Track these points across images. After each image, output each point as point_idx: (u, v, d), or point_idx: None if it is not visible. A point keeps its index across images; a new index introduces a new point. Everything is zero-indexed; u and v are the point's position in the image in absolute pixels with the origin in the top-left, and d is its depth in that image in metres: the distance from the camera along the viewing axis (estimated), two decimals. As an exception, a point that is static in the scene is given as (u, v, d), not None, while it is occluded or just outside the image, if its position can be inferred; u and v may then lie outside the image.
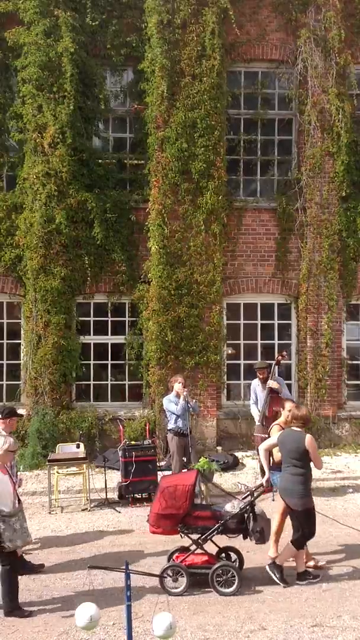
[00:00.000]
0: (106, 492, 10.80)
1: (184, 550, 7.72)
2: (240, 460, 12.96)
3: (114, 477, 11.57)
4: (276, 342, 14.40)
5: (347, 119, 13.89)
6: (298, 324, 14.27)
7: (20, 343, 14.11)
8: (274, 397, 10.91)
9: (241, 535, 7.66)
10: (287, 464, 7.60)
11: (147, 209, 13.67)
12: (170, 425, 11.20)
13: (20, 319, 14.16)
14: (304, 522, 7.50)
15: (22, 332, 14.05)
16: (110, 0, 13.76)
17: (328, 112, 13.94)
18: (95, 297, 14.07)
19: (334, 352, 14.07)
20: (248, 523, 7.53)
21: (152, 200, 13.51)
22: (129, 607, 4.87)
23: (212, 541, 7.64)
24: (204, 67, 13.37)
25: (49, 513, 10.46)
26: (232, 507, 7.62)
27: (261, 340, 14.38)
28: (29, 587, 7.64)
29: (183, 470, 11.03)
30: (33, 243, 13.37)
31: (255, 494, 7.75)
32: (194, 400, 11.56)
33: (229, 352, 14.24)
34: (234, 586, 7.27)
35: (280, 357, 11.55)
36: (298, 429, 7.63)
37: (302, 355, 14.17)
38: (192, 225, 13.46)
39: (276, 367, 11.31)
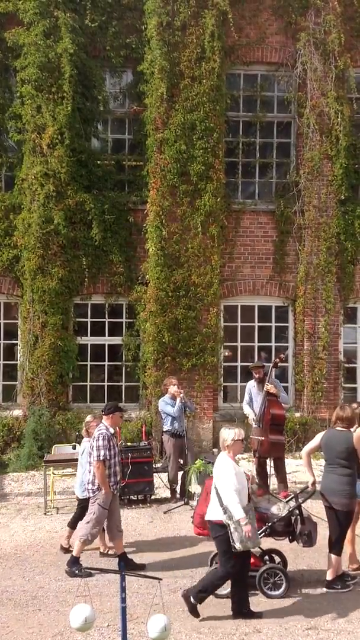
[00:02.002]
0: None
1: None
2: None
3: (110, 479, 11.54)
4: (273, 344, 14.40)
5: (345, 122, 13.91)
6: (295, 327, 14.28)
7: (17, 343, 14.09)
8: (271, 400, 10.87)
9: (288, 538, 7.60)
10: (333, 464, 7.50)
11: (146, 211, 13.67)
12: (166, 427, 11.20)
13: (17, 320, 14.15)
14: (344, 523, 7.38)
15: (19, 332, 14.04)
16: (110, 1, 13.77)
17: (327, 115, 13.96)
18: (93, 298, 14.06)
19: (330, 355, 14.08)
20: (295, 526, 7.48)
21: (150, 202, 13.52)
22: (123, 609, 4.86)
23: None
24: (204, 69, 13.38)
25: (45, 514, 10.45)
26: (278, 509, 7.57)
27: (258, 342, 14.38)
28: (24, 588, 7.62)
29: (179, 472, 11.06)
30: (31, 243, 13.36)
31: (301, 497, 7.68)
32: (190, 400, 11.56)
33: (226, 354, 14.24)
34: (282, 589, 7.22)
35: (277, 360, 11.53)
36: (344, 429, 7.56)
37: (299, 358, 14.17)
38: (190, 227, 13.46)
39: (273, 369, 11.29)
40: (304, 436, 13.73)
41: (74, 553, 8.03)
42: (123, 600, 4.86)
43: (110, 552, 8.63)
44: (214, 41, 13.34)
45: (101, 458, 7.86)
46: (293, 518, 7.52)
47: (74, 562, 7.98)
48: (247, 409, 11.43)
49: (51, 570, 8.15)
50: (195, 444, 12.81)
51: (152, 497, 10.99)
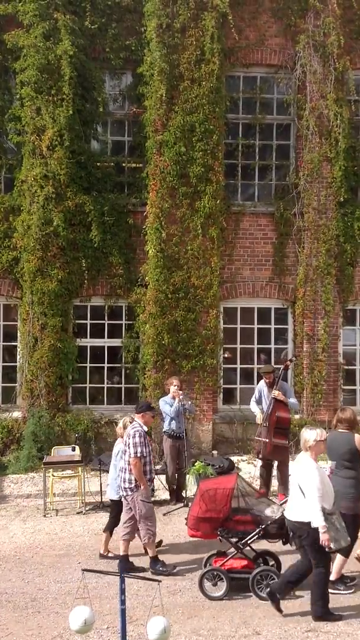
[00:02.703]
0: (101, 495, 10.79)
1: (221, 554, 7.70)
2: (236, 465, 12.94)
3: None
4: (272, 346, 14.40)
5: (345, 125, 13.92)
6: (295, 329, 14.27)
7: (16, 345, 14.09)
8: (278, 403, 10.86)
9: (281, 540, 7.60)
10: (337, 467, 7.52)
11: (145, 213, 13.68)
12: (165, 428, 11.23)
13: (16, 321, 14.14)
14: (351, 527, 7.32)
15: (18, 334, 14.03)
16: (109, 3, 13.77)
17: (326, 118, 13.97)
18: (92, 300, 14.06)
19: (330, 357, 14.08)
20: (289, 528, 7.50)
21: (150, 204, 13.52)
22: (123, 611, 4.86)
23: (250, 545, 7.61)
24: (203, 71, 13.39)
25: (44, 516, 10.45)
26: (272, 512, 7.57)
27: (258, 344, 14.38)
28: (23, 590, 7.62)
29: (176, 474, 11.05)
30: (30, 245, 13.36)
31: None
32: (190, 402, 11.56)
33: (225, 356, 14.23)
34: None
35: (288, 362, 11.52)
36: (345, 431, 7.57)
37: (298, 360, 14.16)
38: (189, 229, 13.47)
39: (284, 371, 11.28)
40: (304, 438, 13.72)
41: (150, 555, 8.14)
42: (122, 602, 4.86)
43: (110, 554, 8.64)
44: (214, 43, 13.35)
45: (138, 455, 7.96)
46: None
47: (155, 561, 8.09)
48: (254, 407, 11.35)
49: (50, 572, 8.15)
50: (194, 445, 12.81)
51: (152, 499, 10.96)
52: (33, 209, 13.36)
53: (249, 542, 7.51)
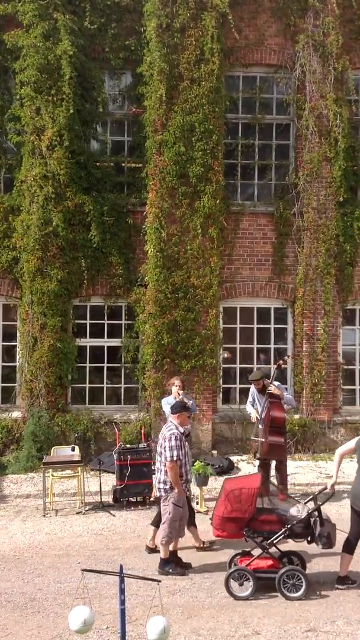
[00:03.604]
0: (101, 495, 10.78)
1: (245, 554, 7.69)
2: (236, 465, 12.95)
3: (109, 480, 11.56)
4: (272, 346, 14.40)
5: (344, 124, 13.92)
6: (294, 329, 14.27)
7: (16, 345, 14.08)
8: (273, 402, 10.86)
9: (307, 540, 7.61)
10: None
11: (145, 212, 13.68)
12: (165, 428, 11.19)
13: (16, 321, 14.14)
14: None
15: (18, 334, 14.03)
16: (109, 3, 13.77)
17: (326, 117, 13.97)
18: (92, 300, 14.06)
19: (330, 357, 14.08)
20: (315, 528, 7.48)
21: (149, 204, 13.52)
22: (122, 611, 4.85)
23: (275, 545, 7.60)
24: (203, 71, 13.39)
25: (44, 516, 10.44)
26: (297, 511, 7.58)
27: (257, 344, 14.38)
28: (22, 590, 7.62)
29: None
30: (30, 245, 13.36)
31: (320, 499, 7.68)
32: (191, 401, 11.55)
33: (225, 355, 14.23)
34: (302, 590, 7.22)
35: (281, 362, 11.52)
36: None
37: (298, 359, 14.17)
38: (189, 228, 13.47)
39: (276, 370, 11.28)
40: (303, 438, 13.76)
41: (162, 556, 8.10)
42: (122, 602, 4.85)
43: (207, 543, 8.72)
44: (213, 43, 13.35)
45: (174, 459, 7.95)
46: (312, 520, 7.52)
47: (165, 563, 8.07)
48: (249, 409, 11.39)
49: (50, 573, 8.15)
50: (194, 445, 12.80)
51: (151, 499, 10.98)
52: (32, 209, 13.36)
53: (274, 541, 7.51)
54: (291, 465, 12.52)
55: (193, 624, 6.65)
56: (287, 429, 13.27)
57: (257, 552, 7.59)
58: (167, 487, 8.03)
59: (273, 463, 11.15)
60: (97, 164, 14.13)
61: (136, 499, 10.93)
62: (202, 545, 8.82)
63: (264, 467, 11.03)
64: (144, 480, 10.84)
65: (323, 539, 7.43)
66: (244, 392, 13.81)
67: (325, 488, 7.78)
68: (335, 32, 13.86)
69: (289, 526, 7.46)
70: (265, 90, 14.49)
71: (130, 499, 10.88)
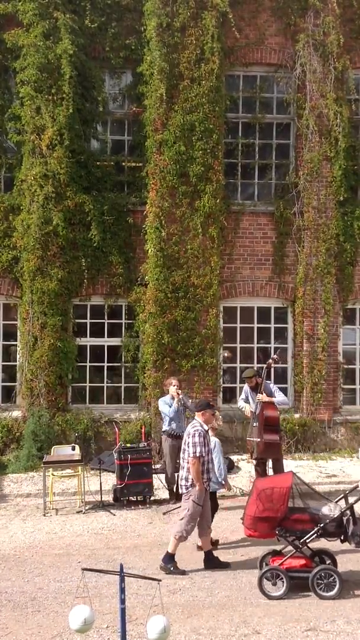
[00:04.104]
0: (101, 495, 10.78)
1: (276, 553, 7.68)
2: (236, 464, 12.96)
3: (109, 480, 11.56)
4: (272, 345, 14.40)
5: (345, 124, 13.93)
6: (294, 328, 14.28)
7: (16, 344, 14.08)
8: (265, 403, 10.89)
9: (339, 539, 7.59)
10: None
11: (145, 212, 13.68)
12: (164, 427, 11.23)
13: (16, 321, 14.14)
14: None
15: (18, 333, 14.03)
16: (109, 2, 13.77)
17: (326, 117, 13.97)
18: (92, 299, 14.06)
19: (330, 357, 14.08)
20: (347, 526, 7.45)
21: (149, 203, 13.52)
22: (123, 610, 4.85)
23: (306, 544, 7.58)
24: (203, 70, 13.38)
25: (44, 515, 10.44)
26: (329, 510, 7.55)
27: (257, 343, 14.38)
28: (23, 589, 7.62)
29: (176, 474, 11.04)
30: (30, 245, 13.36)
31: (352, 497, 7.65)
32: (190, 401, 11.56)
33: (225, 355, 14.23)
34: (336, 589, 7.19)
35: (271, 361, 11.53)
36: None
37: (298, 359, 14.17)
38: (189, 228, 13.47)
39: (267, 370, 11.30)
40: (303, 437, 13.76)
41: (169, 550, 8.08)
42: (122, 601, 4.85)
43: (213, 539, 8.70)
44: (214, 42, 13.35)
45: (197, 455, 7.95)
46: (345, 518, 7.49)
47: (170, 559, 8.05)
48: (242, 404, 11.38)
49: (50, 572, 8.15)
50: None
51: (152, 498, 11.00)
52: (33, 208, 13.36)
53: (307, 541, 7.49)
54: (291, 464, 12.52)
55: (193, 623, 6.65)
56: (288, 428, 13.39)
57: (289, 551, 7.56)
58: (189, 483, 8.04)
59: (269, 463, 11.15)
60: (98, 163, 14.13)
61: (136, 498, 10.93)
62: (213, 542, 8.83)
63: (261, 467, 11.05)
64: (144, 479, 10.85)
65: (356, 537, 7.41)
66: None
67: (357, 486, 7.79)
68: (335, 31, 13.86)
69: (321, 525, 7.43)
70: (265, 90, 14.49)
71: (131, 498, 10.89)
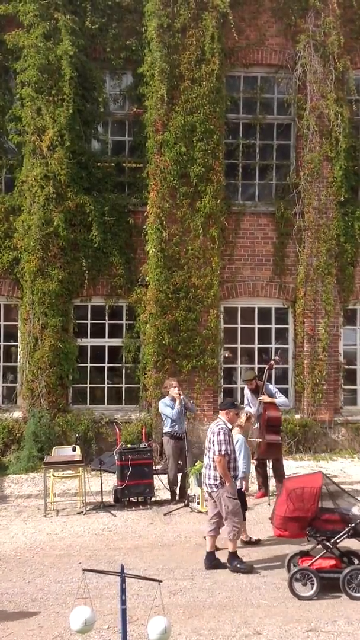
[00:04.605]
0: (102, 496, 10.78)
1: (305, 554, 7.68)
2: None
3: (110, 481, 11.56)
4: (273, 346, 14.40)
5: (345, 124, 13.92)
6: (295, 329, 14.27)
7: (17, 345, 14.09)
8: (267, 404, 10.93)
9: None
10: None
11: (146, 212, 13.68)
12: (166, 429, 11.21)
13: (17, 322, 14.14)
14: None
15: (19, 334, 14.03)
16: (110, 3, 13.77)
17: (327, 117, 13.97)
18: (93, 300, 14.06)
19: (330, 357, 14.08)
20: None
21: (150, 204, 13.52)
22: (123, 611, 4.85)
23: (337, 545, 7.58)
24: (204, 71, 13.39)
25: (45, 516, 10.44)
26: (359, 510, 7.57)
27: (258, 344, 14.38)
28: (23, 590, 7.62)
29: (179, 474, 11.05)
30: (31, 245, 13.36)
31: None
32: (191, 401, 11.56)
33: (226, 355, 14.23)
34: None
35: (272, 362, 11.54)
36: None
37: (299, 359, 14.17)
38: (190, 228, 13.47)
39: (268, 371, 11.31)
40: (304, 438, 13.75)
41: (230, 550, 8.11)
42: (123, 602, 4.85)
43: (253, 539, 8.75)
44: (214, 43, 13.36)
45: (223, 452, 7.99)
46: None
47: (234, 557, 8.08)
48: (247, 409, 11.46)
49: (51, 573, 8.15)
50: (195, 445, 12.80)
51: (153, 499, 10.99)
52: (33, 209, 13.36)
53: (338, 541, 7.49)
54: (292, 465, 12.53)
55: (194, 624, 6.65)
56: (288, 429, 13.39)
57: (318, 552, 7.55)
58: (218, 482, 8.07)
59: (269, 463, 11.18)
60: (98, 164, 14.13)
61: (137, 499, 10.93)
62: (248, 540, 8.87)
63: (262, 467, 11.08)
64: (145, 480, 10.84)
65: None
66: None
67: None
68: (336, 32, 13.86)
69: (352, 525, 7.44)
70: (266, 90, 14.49)
71: (131, 499, 10.88)
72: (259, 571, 8.06)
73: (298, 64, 13.99)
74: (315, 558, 7.49)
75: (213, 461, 8.09)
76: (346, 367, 14.57)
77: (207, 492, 8.30)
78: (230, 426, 8.32)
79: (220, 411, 8.56)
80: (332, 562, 7.52)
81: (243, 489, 8.99)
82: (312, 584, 7.26)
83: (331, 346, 14.07)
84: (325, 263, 13.98)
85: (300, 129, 14.14)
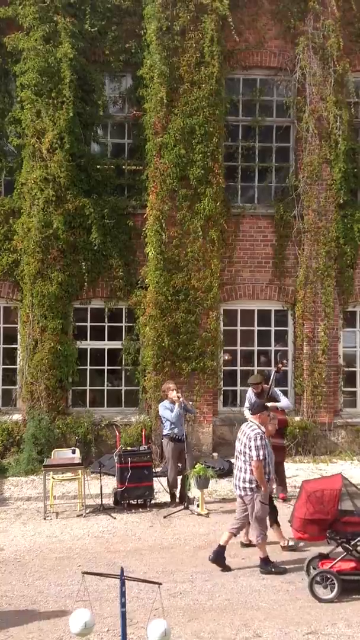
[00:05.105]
0: (101, 498, 10.77)
1: (324, 557, 7.67)
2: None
3: (110, 483, 11.54)
4: (273, 348, 14.40)
5: (344, 127, 13.94)
6: (295, 331, 14.28)
7: (16, 348, 14.08)
8: (272, 407, 10.93)
9: None
10: None
11: (145, 215, 13.69)
12: (166, 431, 11.20)
13: (17, 324, 14.14)
14: None
15: (18, 336, 14.03)
16: (109, 6, 13.79)
17: (326, 120, 13.99)
18: (92, 303, 14.06)
19: (330, 359, 14.08)
20: None
21: (150, 206, 13.53)
22: (123, 614, 4.85)
23: (357, 547, 7.55)
24: (203, 73, 13.40)
25: (44, 519, 10.43)
26: None
27: (258, 346, 14.38)
28: (23, 593, 7.61)
29: (178, 476, 11.05)
30: (30, 248, 13.36)
31: None
32: (191, 403, 11.55)
33: (225, 358, 14.23)
34: None
35: (280, 365, 11.57)
36: None
37: (298, 362, 14.17)
38: (189, 231, 13.47)
39: (276, 374, 11.32)
40: (304, 440, 13.75)
41: (261, 555, 8.14)
42: (123, 605, 4.85)
43: (291, 542, 8.73)
44: (213, 46, 13.37)
45: (261, 458, 8.00)
46: None
47: (266, 562, 8.11)
48: (247, 413, 11.46)
49: (51, 575, 8.14)
50: (195, 448, 12.81)
51: (152, 501, 10.98)
52: (33, 212, 13.37)
53: (358, 543, 7.46)
54: (292, 467, 12.53)
55: (194, 627, 6.65)
56: (288, 431, 13.36)
57: (339, 554, 7.52)
58: (253, 485, 8.07)
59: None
60: (98, 166, 14.13)
61: (137, 501, 10.91)
62: (285, 544, 8.86)
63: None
64: (144, 482, 10.83)
65: None
66: (245, 395, 13.83)
67: None
68: (335, 34, 13.88)
69: None
70: (265, 93, 14.51)
71: (131, 501, 10.86)
72: (262, 575, 8.06)
73: (297, 67, 14.01)
74: (336, 560, 7.48)
75: (250, 465, 8.09)
76: (346, 369, 14.57)
77: (239, 495, 8.29)
78: (264, 429, 8.32)
79: (251, 415, 8.54)
80: (353, 564, 7.50)
81: (271, 493, 8.93)
82: (333, 587, 7.25)
83: (331, 348, 14.08)
84: (324, 265, 13.98)
85: (300, 131, 14.16)
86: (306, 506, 7.44)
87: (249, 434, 8.19)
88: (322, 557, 7.68)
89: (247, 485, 8.12)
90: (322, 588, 7.29)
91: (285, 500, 10.70)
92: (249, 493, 8.11)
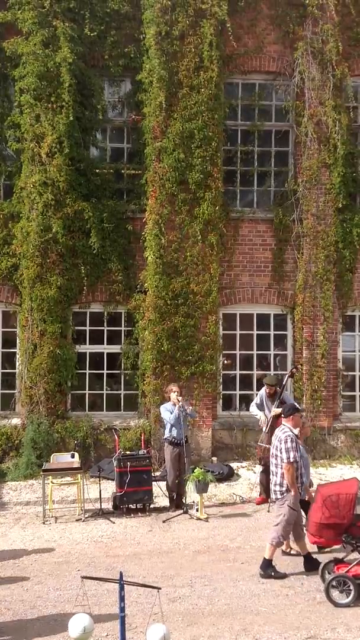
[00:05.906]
0: (100, 503, 10.76)
1: (339, 561, 7.63)
2: (236, 471, 12.94)
3: (109, 487, 11.54)
4: (272, 352, 14.40)
5: (343, 131, 13.97)
6: (294, 335, 14.27)
7: (15, 352, 14.07)
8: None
9: None
10: None
11: (144, 219, 13.69)
12: (165, 434, 11.22)
13: (16, 328, 14.14)
14: None
15: (17, 341, 14.02)
16: (108, 11, 13.81)
17: (325, 124, 14.01)
18: (92, 307, 14.06)
19: (329, 363, 14.07)
20: None
21: (149, 210, 13.54)
22: (122, 618, 4.84)
23: None
24: (202, 78, 13.42)
25: (43, 523, 10.42)
26: None
27: (257, 350, 14.38)
28: (22, 598, 7.59)
29: (177, 480, 11.04)
30: (29, 252, 13.37)
31: None
32: (190, 408, 11.56)
33: (225, 362, 14.23)
34: None
35: (294, 370, 11.61)
36: None
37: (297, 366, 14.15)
38: (188, 235, 13.48)
39: (289, 379, 11.37)
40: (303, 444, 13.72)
41: (266, 556, 8.09)
42: (122, 609, 4.84)
43: (292, 551, 8.68)
44: (212, 50, 13.39)
45: (291, 460, 7.96)
46: None
47: (268, 565, 8.05)
48: (255, 410, 11.58)
49: (49, 580, 8.13)
50: (194, 452, 12.79)
51: (151, 505, 10.97)
52: (32, 216, 13.37)
53: None
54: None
55: (193, 632, 6.63)
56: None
57: (355, 559, 7.48)
58: (284, 489, 8.04)
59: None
60: (97, 170, 14.14)
61: (136, 506, 10.90)
62: (287, 550, 8.80)
63: (267, 474, 11.06)
64: (143, 487, 10.82)
65: None
66: (244, 399, 13.87)
67: None
68: (334, 39, 13.90)
69: None
70: (264, 97, 14.53)
71: (130, 506, 10.85)
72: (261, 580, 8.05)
73: (296, 71, 14.03)
74: (352, 565, 7.44)
75: (281, 468, 8.04)
76: (345, 373, 14.56)
77: (273, 499, 8.28)
78: (296, 432, 8.27)
79: (284, 418, 8.48)
80: None
81: (307, 498, 8.75)
82: (349, 591, 7.22)
83: (330, 352, 14.07)
84: (323, 269, 13.99)
85: (299, 135, 14.18)
86: (322, 510, 7.42)
87: (280, 436, 8.15)
88: (337, 561, 7.65)
89: (278, 488, 8.09)
90: (338, 592, 7.26)
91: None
92: (279, 497, 8.07)
